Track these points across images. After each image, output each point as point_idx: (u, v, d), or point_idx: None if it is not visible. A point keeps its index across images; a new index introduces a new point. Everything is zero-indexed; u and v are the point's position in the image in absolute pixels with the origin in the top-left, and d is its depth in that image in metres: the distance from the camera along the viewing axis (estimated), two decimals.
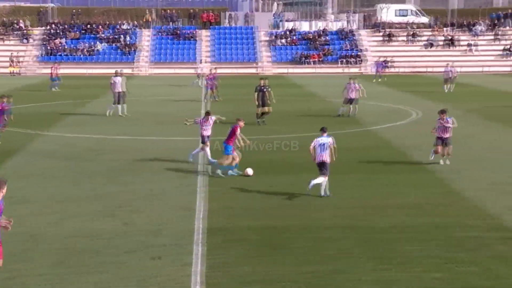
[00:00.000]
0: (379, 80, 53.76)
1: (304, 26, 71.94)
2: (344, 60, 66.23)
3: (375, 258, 12.21)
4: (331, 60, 66.71)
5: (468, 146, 23.66)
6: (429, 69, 64.48)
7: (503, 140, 25.04)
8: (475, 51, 67.76)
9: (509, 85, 49.24)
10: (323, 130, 17.09)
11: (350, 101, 31.35)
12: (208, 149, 20.02)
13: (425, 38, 69.69)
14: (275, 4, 79.33)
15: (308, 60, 66.19)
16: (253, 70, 65.36)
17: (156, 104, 37.72)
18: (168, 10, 74.42)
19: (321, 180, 16.49)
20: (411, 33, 69.97)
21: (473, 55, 67.24)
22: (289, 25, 71.37)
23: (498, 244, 12.96)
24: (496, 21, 71.80)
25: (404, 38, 70.11)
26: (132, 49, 67.08)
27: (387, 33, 70.12)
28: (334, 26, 71.96)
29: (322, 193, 16.52)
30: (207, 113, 20.52)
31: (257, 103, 29.15)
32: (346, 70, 65.08)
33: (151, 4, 78.03)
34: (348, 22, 72.16)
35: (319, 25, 71.76)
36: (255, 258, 12.27)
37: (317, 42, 68.35)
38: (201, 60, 61.46)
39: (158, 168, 20.04)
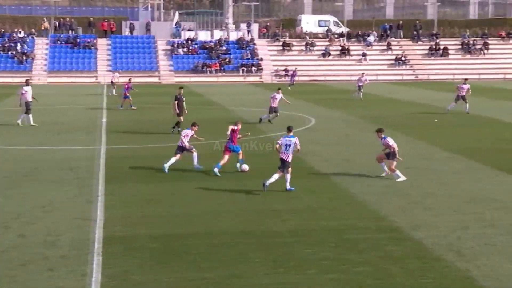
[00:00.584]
0: (289, 88, 55.05)
1: (204, 36, 72.25)
2: (245, 69, 67.02)
3: (271, 262, 12.51)
4: (232, 69, 67.36)
5: (362, 152, 24.54)
6: (327, 78, 66.27)
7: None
8: (369, 60, 70.23)
9: (400, 93, 51.26)
10: (289, 129, 18.44)
11: (272, 109, 32.35)
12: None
13: (321, 47, 71.57)
14: (176, 13, 79.28)
15: (208, 69, 66.52)
16: (154, 79, 65.06)
17: (54, 113, 36.92)
18: (67, 19, 72.92)
19: (276, 178, 17.90)
20: (310, 42, 71.68)
21: (367, 64, 69.64)
22: (189, 34, 71.46)
23: (389, 245, 13.53)
24: (388, 32, 74.65)
25: (302, 48, 71.73)
26: (28, 58, 65.27)
27: (286, 43, 71.49)
28: (233, 35, 72.66)
29: (288, 187, 17.95)
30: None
31: (177, 111, 29.15)
32: (247, 78, 65.92)
33: (48, 12, 76.19)
34: (248, 31, 73.07)
35: (219, 34, 72.27)
36: (154, 266, 12.31)
37: (217, 51, 68.84)
38: (117, 69, 60.61)
39: (55, 178, 19.68)
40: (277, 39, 72.75)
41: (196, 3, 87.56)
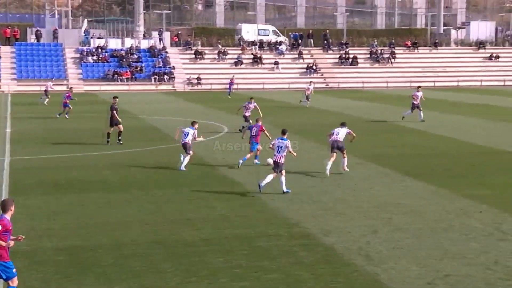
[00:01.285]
0: (229, 96, 55.28)
1: (114, 44, 71.17)
2: (157, 77, 66.44)
3: (184, 271, 12.33)
4: (143, 77, 66.62)
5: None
6: (240, 86, 66.49)
7: (304, 150, 26.34)
8: (281, 68, 71.01)
9: (311, 101, 51.92)
10: (283, 132, 19.39)
11: (246, 118, 32.03)
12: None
13: (234, 56, 71.85)
14: (85, 21, 77.68)
15: (119, 77, 65.53)
16: (62, 88, 63.40)
17: None
18: None
19: (270, 178, 18.61)
20: (222, 51, 71.80)
21: (279, 72, 70.40)
22: (99, 42, 70.18)
23: (300, 251, 13.61)
24: (299, 41, 75.73)
25: (215, 56, 71.80)
26: None
27: (199, 51, 71.38)
28: (145, 43, 71.89)
29: (284, 189, 18.55)
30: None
31: (114, 121, 28.40)
32: (159, 87, 65.36)
33: None
34: (160, 40, 72.46)
35: (130, 42, 71.33)
36: (60, 280, 11.90)
37: (129, 59, 67.93)
38: (52, 78, 58.86)
39: None
40: (189, 47, 72.52)
41: (106, 11, 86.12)
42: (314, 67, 71.52)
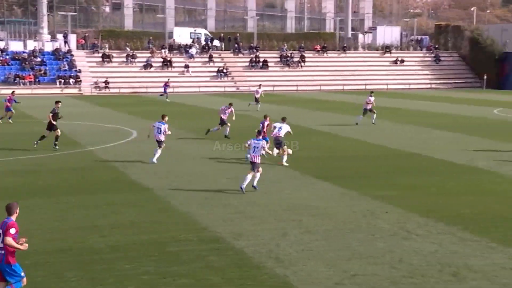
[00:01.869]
0: (167, 100, 54.42)
1: (16, 46, 68.88)
2: (62, 81, 64.76)
3: (89, 280, 11.96)
4: (48, 80, 64.79)
5: (184, 163, 24.48)
6: (149, 89, 65.80)
7: (201, 154, 26.24)
8: (192, 72, 70.68)
9: (221, 104, 51.87)
10: (259, 133, 20.33)
11: (223, 121, 31.62)
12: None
13: (143, 59, 70.96)
14: None
15: (21, 80, 63.47)
16: None
17: None
18: None
19: (249, 178, 19.25)
20: (131, 54, 70.79)
21: (190, 76, 70.06)
22: None
23: (210, 255, 13.47)
24: (210, 44, 75.64)
25: (123, 59, 70.69)
26: None
27: (107, 54, 70.09)
28: (49, 46, 69.91)
29: (255, 183, 19.35)
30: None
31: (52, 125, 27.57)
32: (64, 91, 63.74)
33: None
34: (65, 42, 70.68)
35: (33, 45, 69.21)
36: None
37: (32, 62, 65.91)
38: None
39: None
40: (96, 50, 71.08)
41: (6, 12, 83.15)
42: (224, 70, 71.59)
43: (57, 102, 28.81)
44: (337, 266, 12.88)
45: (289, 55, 76.07)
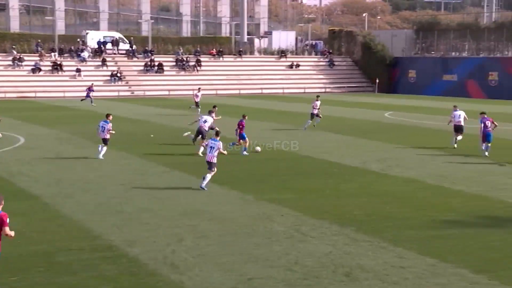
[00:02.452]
0: (93, 104, 52.80)
1: None
2: None
3: None
4: None
5: (75, 170, 23.74)
6: (38, 94, 63.67)
7: (92, 160, 25.64)
8: (84, 76, 68.89)
9: (116, 109, 51.00)
10: (216, 133, 21.11)
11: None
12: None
13: (32, 63, 68.45)
14: None
15: None
16: None
17: None
18: None
19: (209, 177, 20.10)
20: (17, 57, 68.12)
21: (82, 80, 68.24)
22: None
23: (103, 264, 13.04)
24: (103, 47, 74.04)
25: (10, 63, 67.94)
26: None
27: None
28: None
29: (204, 185, 20.02)
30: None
31: None
32: None
33: None
34: None
35: None
36: None
37: None
38: None
39: None
40: None
41: None
42: (118, 74, 70.25)
43: None
44: (233, 270, 12.78)
45: (185, 59, 75.63)
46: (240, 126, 27.94)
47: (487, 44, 75.74)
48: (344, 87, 79.06)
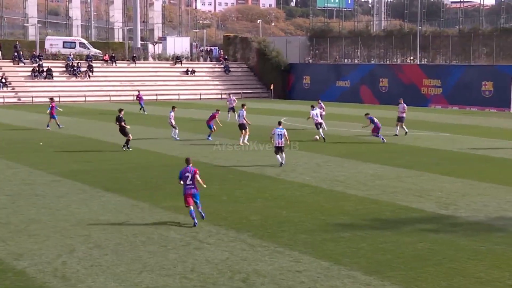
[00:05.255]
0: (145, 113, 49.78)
1: None
2: None
3: None
4: None
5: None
6: None
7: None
8: None
9: (1, 116, 49.02)
10: (279, 123, 26.07)
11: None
12: None
13: None
14: None
15: None
16: None
17: None
18: None
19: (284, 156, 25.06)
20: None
21: None
22: None
23: None
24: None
25: None
26: None
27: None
28: None
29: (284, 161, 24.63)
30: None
31: None
32: None
33: None
34: None
35: None
36: None
37: None
38: None
39: None
40: None
41: None
42: (3, 80, 67.39)
43: None
44: (128, 280, 12.44)
45: (76, 64, 73.61)
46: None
47: (378, 51, 78.28)
48: (240, 93, 79.50)
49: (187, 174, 16.64)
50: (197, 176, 16.68)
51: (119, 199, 19.81)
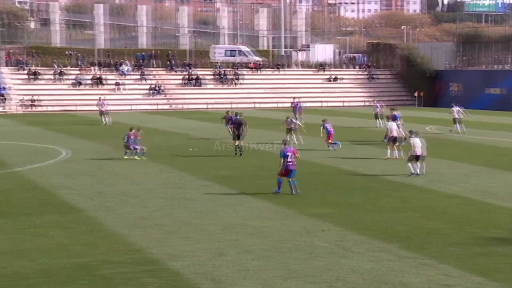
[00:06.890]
0: None
1: None
2: None
3: None
4: None
5: (116, 182, 23.89)
6: (79, 108, 64.44)
7: (132, 173, 25.77)
8: (122, 89, 69.59)
9: (155, 122, 51.37)
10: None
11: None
12: None
13: (72, 76, 69.42)
14: None
15: None
16: None
17: None
18: None
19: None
20: (58, 71, 69.10)
21: (121, 93, 68.95)
22: None
23: (144, 277, 13.03)
24: (141, 61, 74.79)
25: (51, 77, 68.99)
26: None
27: (33, 71, 68.16)
28: None
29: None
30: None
31: None
32: None
33: None
34: None
35: None
36: None
37: None
38: None
39: None
40: (22, 67, 69.08)
41: None
42: (157, 88, 70.79)
43: None
44: (274, 285, 12.63)
45: (223, 72, 75.90)
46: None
47: None
48: (384, 100, 78.35)
49: (288, 153, 20.95)
50: (297, 154, 21.47)
51: (264, 205, 20.17)
